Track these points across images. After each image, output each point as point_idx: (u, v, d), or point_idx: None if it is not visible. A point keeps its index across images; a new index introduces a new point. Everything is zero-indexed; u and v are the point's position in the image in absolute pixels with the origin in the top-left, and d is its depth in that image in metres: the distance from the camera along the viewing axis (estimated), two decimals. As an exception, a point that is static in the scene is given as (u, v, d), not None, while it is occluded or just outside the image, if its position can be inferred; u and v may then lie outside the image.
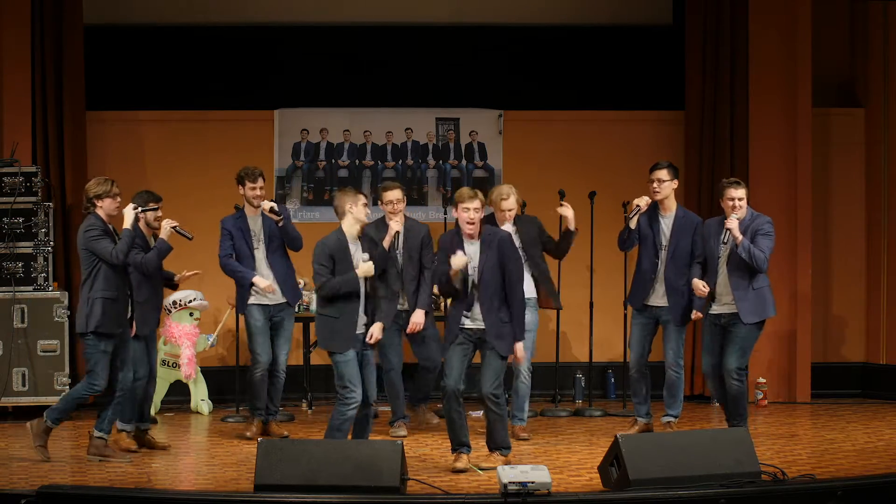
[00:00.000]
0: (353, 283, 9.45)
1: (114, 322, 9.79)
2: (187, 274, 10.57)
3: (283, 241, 10.90)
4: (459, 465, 9.46)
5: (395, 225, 10.79)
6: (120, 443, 10.19)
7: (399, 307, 11.02)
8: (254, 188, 10.84)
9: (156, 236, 10.25)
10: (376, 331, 9.54)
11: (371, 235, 10.98)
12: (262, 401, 10.92)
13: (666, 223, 10.77)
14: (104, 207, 9.85)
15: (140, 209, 9.96)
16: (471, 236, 9.46)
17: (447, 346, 9.54)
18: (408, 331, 10.82)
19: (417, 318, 10.77)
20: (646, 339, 10.85)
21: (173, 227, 10.14)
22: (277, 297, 10.86)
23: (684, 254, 10.71)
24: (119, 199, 9.90)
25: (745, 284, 10.32)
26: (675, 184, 10.80)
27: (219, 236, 11.50)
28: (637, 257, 10.96)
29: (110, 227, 9.87)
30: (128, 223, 9.83)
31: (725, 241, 10.39)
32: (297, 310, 11.29)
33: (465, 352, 9.49)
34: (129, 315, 9.99)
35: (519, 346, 9.46)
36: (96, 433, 9.93)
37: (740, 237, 10.27)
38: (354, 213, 9.49)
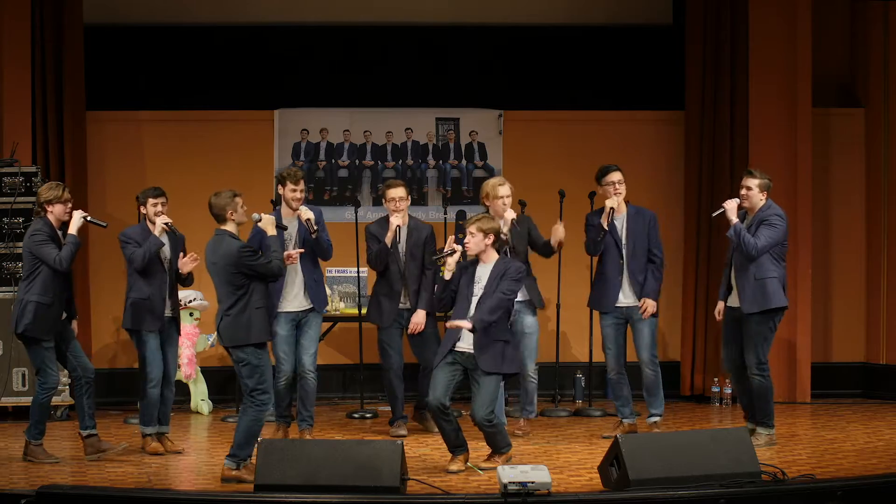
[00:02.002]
0: (279, 243, 9.58)
1: (43, 328, 9.79)
2: (186, 260, 10.46)
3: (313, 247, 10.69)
4: (454, 466, 9.47)
5: (396, 219, 10.80)
6: (147, 448, 10.23)
7: (401, 306, 11.02)
8: (294, 190, 10.63)
9: (173, 231, 10.28)
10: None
11: (374, 232, 11.00)
12: (285, 408, 10.84)
13: (619, 223, 10.82)
14: (54, 213, 9.88)
15: (88, 218, 9.95)
16: (482, 260, 9.60)
17: (437, 361, 9.59)
18: (409, 331, 10.83)
19: (419, 319, 10.78)
20: (620, 340, 10.87)
21: (165, 224, 10.17)
22: (303, 304, 10.72)
23: (642, 250, 10.78)
24: (70, 205, 9.91)
25: (746, 274, 10.35)
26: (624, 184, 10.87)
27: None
28: (599, 262, 10.95)
29: (59, 232, 9.89)
30: (73, 229, 9.83)
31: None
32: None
33: (454, 372, 9.52)
34: (64, 317, 9.97)
35: (464, 322, 9.43)
36: (83, 433, 9.95)
37: (733, 220, 10.32)
38: (236, 219, 9.42)
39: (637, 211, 10.88)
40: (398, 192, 10.87)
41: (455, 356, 9.53)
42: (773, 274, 10.33)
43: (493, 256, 9.60)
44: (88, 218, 9.98)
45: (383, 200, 11.02)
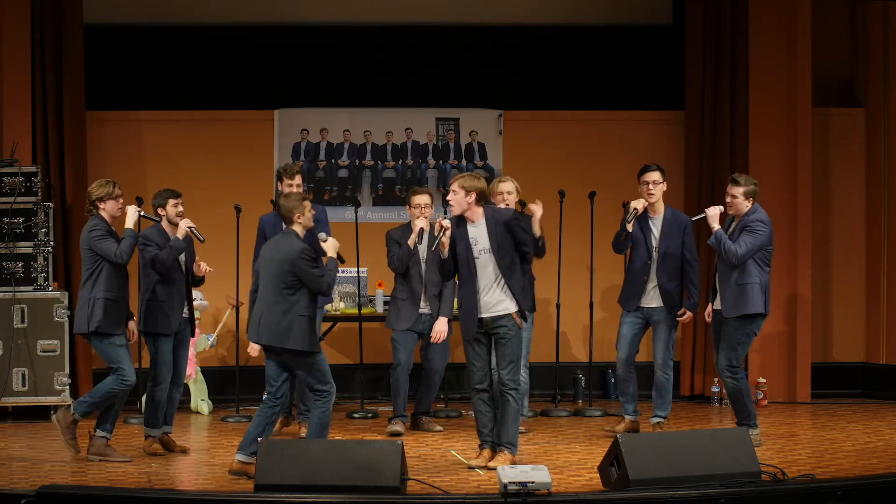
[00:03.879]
0: (337, 268, 9.54)
1: (114, 322, 9.82)
2: (204, 267, 10.45)
3: None
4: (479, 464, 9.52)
5: (420, 222, 10.84)
6: (148, 449, 10.23)
7: (420, 311, 11.07)
8: (290, 185, 10.81)
9: (196, 234, 10.28)
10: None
11: (395, 237, 11.05)
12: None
13: (655, 225, 10.80)
14: (107, 209, 9.91)
15: (142, 213, 10.01)
16: (470, 219, 9.47)
17: (465, 343, 9.55)
18: (432, 339, 10.78)
19: (441, 327, 10.67)
20: (635, 339, 10.88)
21: (189, 228, 10.17)
22: None
23: (674, 255, 10.76)
24: (121, 201, 9.97)
25: (727, 278, 10.38)
26: (665, 186, 10.82)
27: (220, 236, 11.59)
28: (628, 260, 10.96)
29: (113, 228, 9.92)
30: (129, 223, 9.90)
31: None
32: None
33: (484, 346, 9.52)
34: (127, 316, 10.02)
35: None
36: (98, 433, 9.93)
37: (715, 226, 10.34)
38: (303, 223, 9.47)
39: (673, 214, 10.84)
40: (423, 199, 10.99)
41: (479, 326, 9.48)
42: (754, 280, 10.34)
43: (479, 214, 9.48)
44: (142, 213, 10.03)
45: (408, 207, 11.11)
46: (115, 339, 9.83)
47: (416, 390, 11.46)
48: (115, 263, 9.79)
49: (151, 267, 10.12)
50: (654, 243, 10.78)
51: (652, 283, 10.77)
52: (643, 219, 10.77)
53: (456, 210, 9.49)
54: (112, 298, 9.81)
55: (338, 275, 12.47)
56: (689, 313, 10.86)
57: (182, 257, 10.29)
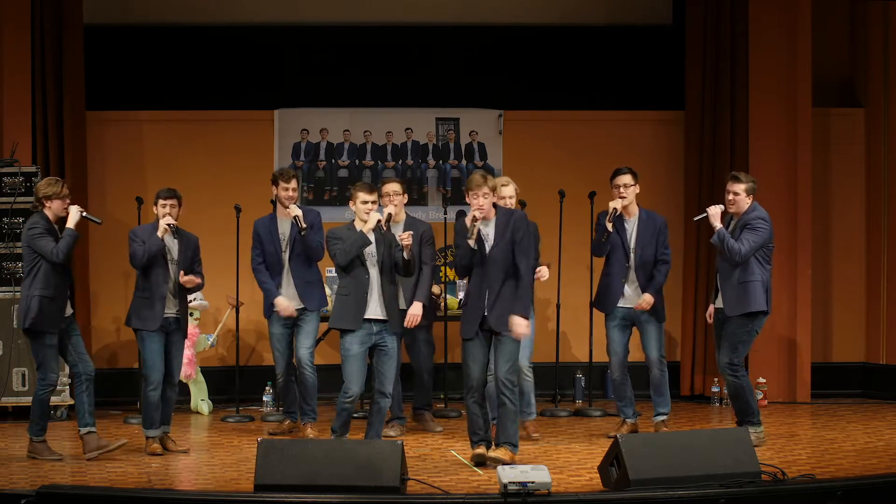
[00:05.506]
0: (362, 239, 9.68)
1: (49, 321, 9.85)
2: (187, 279, 10.46)
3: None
4: (479, 452, 9.56)
5: (388, 209, 10.82)
6: (148, 448, 10.23)
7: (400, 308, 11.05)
8: (286, 189, 10.89)
9: (178, 231, 10.30)
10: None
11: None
12: (290, 403, 11.18)
13: (630, 227, 10.82)
14: (52, 208, 9.96)
15: (84, 214, 10.01)
16: (484, 218, 9.58)
17: (463, 342, 9.60)
18: (405, 324, 10.76)
19: (416, 311, 10.65)
20: (625, 342, 10.91)
21: (168, 226, 10.19)
22: (296, 304, 10.95)
23: (650, 255, 10.79)
24: (68, 201, 10.00)
25: (729, 277, 10.40)
26: (637, 188, 10.83)
27: (220, 236, 11.57)
28: (605, 264, 10.95)
29: (55, 227, 9.95)
30: (71, 223, 9.93)
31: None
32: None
33: (481, 347, 9.55)
34: (70, 312, 10.03)
35: (518, 320, 9.44)
36: (82, 431, 9.96)
37: (717, 225, 10.37)
38: (354, 209, 9.76)
39: (648, 216, 10.86)
40: (391, 188, 10.97)
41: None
42: (756, 277, 10.35)
43: (493, 212, 9.63)
44: (84, 214, 10.05)
45: (378, 196, 11.06)
46: (47, 339, 9.85)
47: (411, 390, 11.47)
48: (51, 262, 9.82)
49: (130, 262, 10.16)
50: (632, 244, 10.80)
51: (633, 285, 10.80)
52: (618, 222, 10.79)
53: (489, 213, 9.58)
54: (48, 296, 9.84)
55: (334, 274, 12.62)
56: (645, 295, 10.70)
57: (174, 256, 10.28)
